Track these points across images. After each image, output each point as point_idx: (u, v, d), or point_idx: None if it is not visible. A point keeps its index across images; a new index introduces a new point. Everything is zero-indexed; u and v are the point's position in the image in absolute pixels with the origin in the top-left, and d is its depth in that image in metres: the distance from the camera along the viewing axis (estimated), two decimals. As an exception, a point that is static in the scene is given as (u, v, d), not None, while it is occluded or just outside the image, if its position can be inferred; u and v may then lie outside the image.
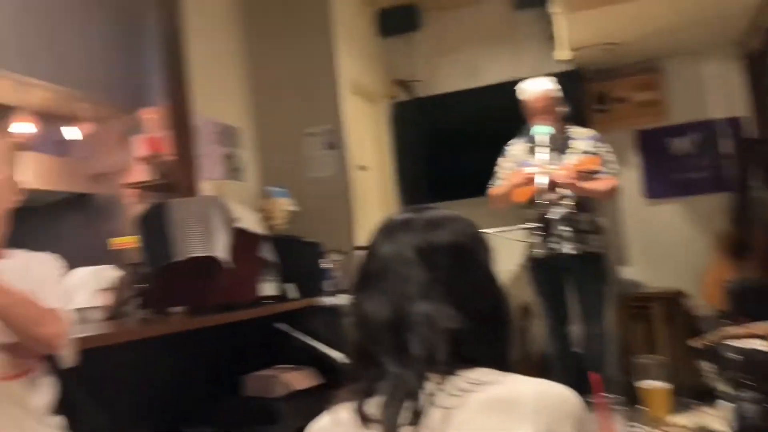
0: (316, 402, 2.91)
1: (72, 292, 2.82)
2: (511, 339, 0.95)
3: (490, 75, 4.69)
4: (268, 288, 3.16)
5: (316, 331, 3.12)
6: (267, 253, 3.19)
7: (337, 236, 3.92)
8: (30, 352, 1.41)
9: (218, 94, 3.92)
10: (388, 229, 0.97)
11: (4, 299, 1.30)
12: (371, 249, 0.98)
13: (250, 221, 3.00)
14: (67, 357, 1.47)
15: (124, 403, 1.64)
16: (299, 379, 2.82)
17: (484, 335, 0.91)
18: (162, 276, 2.78)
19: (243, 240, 2.86)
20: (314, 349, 3.02)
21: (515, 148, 3.62)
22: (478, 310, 0.92)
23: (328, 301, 3.36)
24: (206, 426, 2.47)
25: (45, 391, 1.46)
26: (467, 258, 0.95)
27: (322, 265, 3.57)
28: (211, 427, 2.45)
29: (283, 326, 3.01)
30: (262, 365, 2.87)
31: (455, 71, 4.84)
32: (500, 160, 3.64)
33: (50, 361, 1.48)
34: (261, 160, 4.19)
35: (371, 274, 0.95)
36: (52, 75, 3.99)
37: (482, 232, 0.99)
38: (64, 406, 1.50)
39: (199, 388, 2.73)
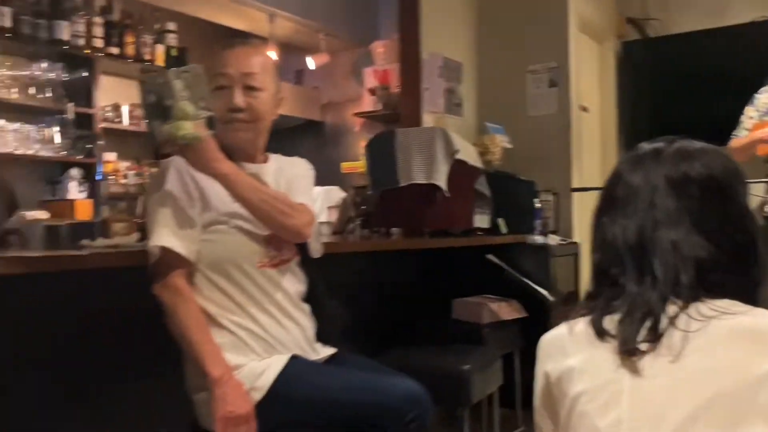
0: (519, 333, 2.98)
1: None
2: (763, 273, 0.92)
3: (737, 14, 4.25)
4: (481, 220, 3.25)
5: (524, 267, 3.17)
6: (482, 186, 3.26)
7: (551, 177, 3.89)
8: (285, 243, 1.63)
9: (444, 29, 3.99)
10: (637, 157, 0.98)
11: (257, 195, 1.53)
12: (617, 175, 0.98)
13: (470, 154, 3.08)
14: (315, 247, 1.70)
15: (344, 310, 1.84)
16: (505, 310, 2.90)
17: (734, 267, 0.90)
18: (384, 199, 2.99)
19: (461, 171, 2.96)
20: (522, 283, 3.08)
21: (764, 96, 3.28)
22: (729, 242, 0.90)
23: (538, 239, 3.38)
24: (415, 340, 2.65)
25: (298, 280, 1.68)
26: (721, 191, 0.93)
27: (534, 204, 3.58)
28: (420, 342, 2.62)
29: (493, 258, 3.10)
30: (470, 292, 2.99)
31: (696, 9, 4.45)
32: (746, 109, 3.33)
33: (301, 255, 1.69)
34: (480, 96, 4.22)
35: (617, 199, 0.96)
36: (297, 8, 4.32)
37: (740, 167, 0.96)
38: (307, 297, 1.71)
39: (411, 306, 2.93)
